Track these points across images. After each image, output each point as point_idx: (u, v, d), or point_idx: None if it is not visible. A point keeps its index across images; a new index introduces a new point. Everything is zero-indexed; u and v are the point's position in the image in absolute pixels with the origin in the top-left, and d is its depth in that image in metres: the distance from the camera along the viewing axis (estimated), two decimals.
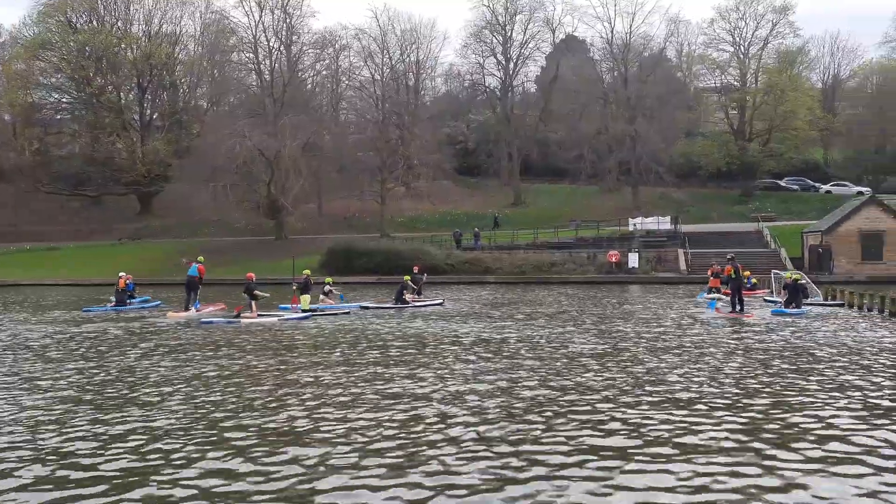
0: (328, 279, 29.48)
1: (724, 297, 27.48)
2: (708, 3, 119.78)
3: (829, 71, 78.02)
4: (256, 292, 23.68)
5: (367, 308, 26.13)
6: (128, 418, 9.54)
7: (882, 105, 63.71)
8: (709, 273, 30.70)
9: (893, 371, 12.52)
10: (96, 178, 69.04)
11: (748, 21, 63.86)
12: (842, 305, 25.40)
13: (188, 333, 19.42)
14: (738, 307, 23.40)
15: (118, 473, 7.36)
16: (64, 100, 75.18)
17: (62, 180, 70.14)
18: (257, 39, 61.04)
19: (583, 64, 69.81)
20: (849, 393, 10.70)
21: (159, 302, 30.68)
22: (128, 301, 28.95)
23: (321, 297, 27.19)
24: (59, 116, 76.24)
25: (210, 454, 7.92)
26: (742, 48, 65.00)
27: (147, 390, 11.43)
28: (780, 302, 25.41)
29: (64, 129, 74.13)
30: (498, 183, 70.08)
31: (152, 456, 7.90)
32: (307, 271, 26.40)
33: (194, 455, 7.91)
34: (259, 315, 22.95)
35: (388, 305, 26.49)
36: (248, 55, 62.59)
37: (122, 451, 8.09)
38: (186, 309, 25.62)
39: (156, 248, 57.67)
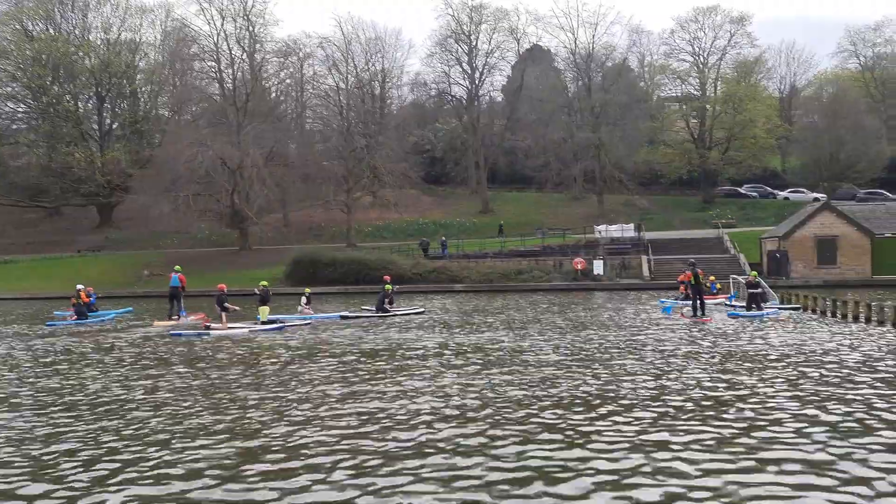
0: (307, 290, 29.62)
1: (678, 302, 28.11)
2: (668, 14, 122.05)
3: (786, 80, 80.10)
4: (227, 304, 23.65)
5: (347, 318, 26.14)
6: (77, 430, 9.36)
7: (836, 113, 65.53)
8: (679, 280, 31.16)
9: (839, 372, 12.85)
10: (54, 189, 67.67)
11: (707, 31, 65.32)
12: (798, 309, 26.01)
13: (159, 345, 19.29)
14: (699, 312, 23.89)
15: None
16: (20, 109, 73.67)
17: (18, 192, 68.64)
18: (219, 48, 60.48)
19: (548, 73, 70.58)
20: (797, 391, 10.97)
21: (131, 308, 30.71)
22: (89, 314, 28.78)
23: (299, 308, 27.40)
24: (14, 126, 74.68)
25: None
26: (701, 58, 66.41)
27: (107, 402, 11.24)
28: (740, 306, 26.13)
29: (20, 140, 72.58)
30: (466, 191, 70.34)
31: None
32: (265, 283, 26.31)
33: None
34: (229, 327, 22.92)
35: (369, 315, 26.53)
36: (210, 63, 61.90)
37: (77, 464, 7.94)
38: (170, 318, 26.23)
39: (117, 260, 56.77)
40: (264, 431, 9.41)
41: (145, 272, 52.45)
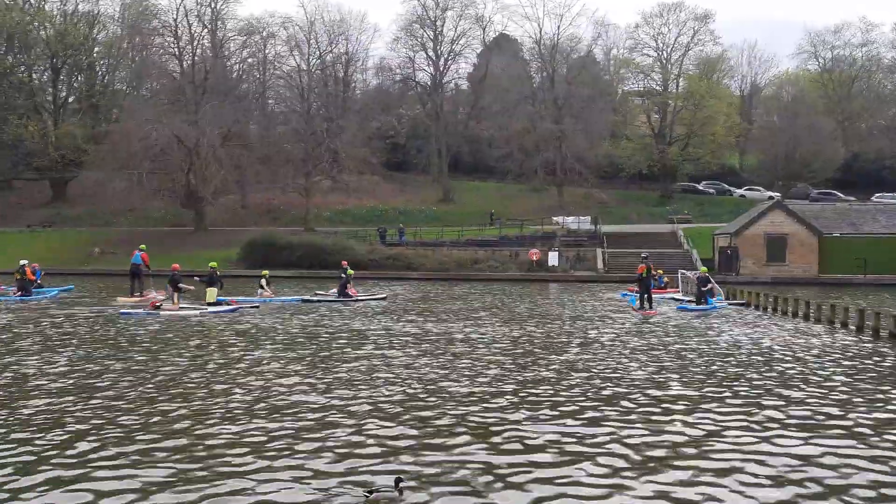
0: (265, 272, 29.72)
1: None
2: (634, 8, 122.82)
3: (747, 79, 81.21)
4: (181, 284, 23.36)
5: (309, 301, 26.29)
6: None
7: (798, 113, 66.70)
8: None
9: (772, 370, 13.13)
10: (4, 162, 65.67)
11: (671, 27, 65.83)
12: (745, 305, 26.55)
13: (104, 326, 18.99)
14: (646, 305, 24.23)
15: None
16: None
17: None
18: (178, 23, 59.15)
19: (513, 63, 70.51)
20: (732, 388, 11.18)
21: (72, 286, 30.22)
22: (33, 290, 28.29)
23: (259, 290, 27.54)
24: None
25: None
26: (664, 54, 66.93)
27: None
28: (688, 300, 26.61)
29: None
30: (427, 179, 70.08)
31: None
32: (214, 264, 26.25)
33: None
34: (181, 307, 22.66)
35: (331, 298, 26.74)
36: (168, 39, 60.49)
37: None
38: (132, 295, 26.76)
39: (67, 237, 55.51)
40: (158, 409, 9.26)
41: (95, 250, 51.41)
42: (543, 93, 65.98)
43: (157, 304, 23.00)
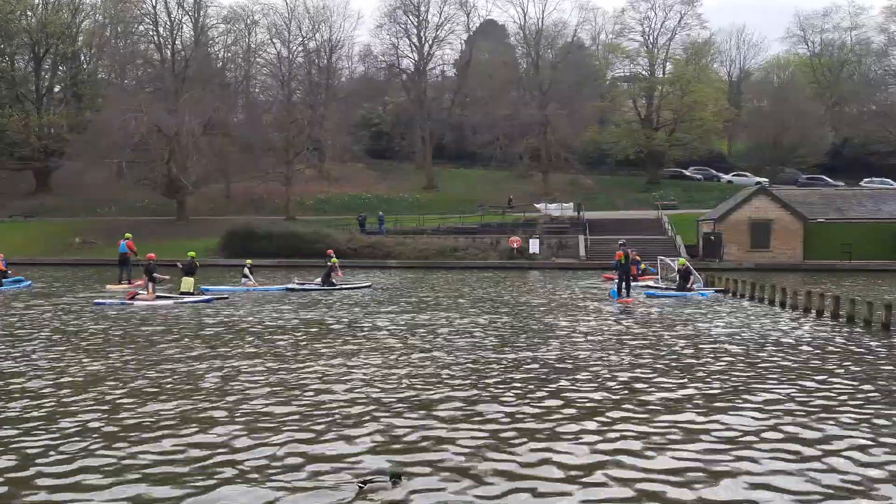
0: (248, 261, 29.75)
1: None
2: None
3: (736, 63, 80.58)
4: (156, 275, 23.01)
5: (293, 290, 26.17)
6: None
7: (787, 98, 66.12)
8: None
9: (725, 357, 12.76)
10: None
11: (657, 11, 65.00)
12: (724, 292, 26.13)
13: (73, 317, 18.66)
14: (623, 293, 23.83)
15: None
16: None
17: None
18: (157, 10, 58.35)
19: (500, 49, 69.75)
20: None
21: (30, 282, 29.80)
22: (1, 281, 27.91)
23: (243, 279, 27.55)
24: None
25: None
26: (651, 38, 66.22)
27: None
28: (664, 287, 26.34)
29: None
30: (411, 167, 69.50)
31: None
32: (192, 253, 26.12)
33: None
34: (157, 297, 22.45)
35: (315, 287, 26.68)
36: (149, 26, 59.73)
37: None
38: (119, 282, 27.87)
39: (48, 227, 55.01)
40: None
41: (77, 240, 50.90)
42: (528, 79, 65.28)
43: (133, 294, 22.74)
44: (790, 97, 64.93)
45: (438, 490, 6.49)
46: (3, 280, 28.34)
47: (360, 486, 6.31)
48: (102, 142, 52.34)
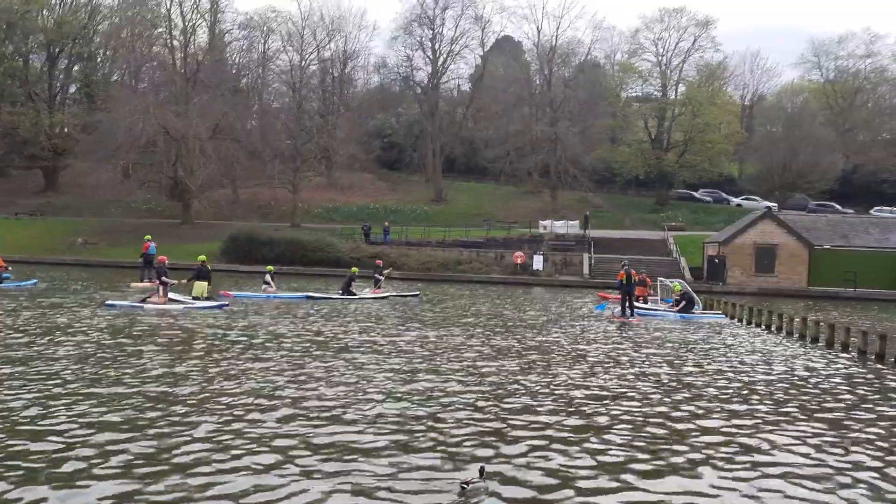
0: (269, 267, 29.97)
1: (616, 302, 27.83)
2: (636, 12, 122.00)
3: (749, 87, 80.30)
4: (165, 278, 22.83)
5: (313, 298, 26.38)
6: None
7: (799, 123, 65.70)
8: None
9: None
10: None
11: (671, 33, 64.97)
12: (721, 316, 25.84)
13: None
14: (628, 312, 23.63)
15: None
16: None
17: None
18: (171, 14, 58.80)
19: (513, 64, 69.83)
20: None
21: (35, 280, 29.71)
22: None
23: (264, 286, 27.58)
24: None
25: None
26: (664, 59, 66.13)
27: None
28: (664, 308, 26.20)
29: None
30: (421, 179, 69.52)
31: None
32: (203, 257, 25.99)
33: None
34: (168, 300, 22.33)
35: (336, 297, 26.95)
36: (162, 31, 60.18)
37: None
38: (142, 280, 29.48)
39: (53, 226, 55.18)
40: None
41: (79, 240, 51.01)
42: (541, 95, 65.31)
43: (146, 297, 22.65)
44: (803, 123, 64.55)
45: None
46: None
47: (462, 487, 6.66)
48: (109, 142, 52.53)
